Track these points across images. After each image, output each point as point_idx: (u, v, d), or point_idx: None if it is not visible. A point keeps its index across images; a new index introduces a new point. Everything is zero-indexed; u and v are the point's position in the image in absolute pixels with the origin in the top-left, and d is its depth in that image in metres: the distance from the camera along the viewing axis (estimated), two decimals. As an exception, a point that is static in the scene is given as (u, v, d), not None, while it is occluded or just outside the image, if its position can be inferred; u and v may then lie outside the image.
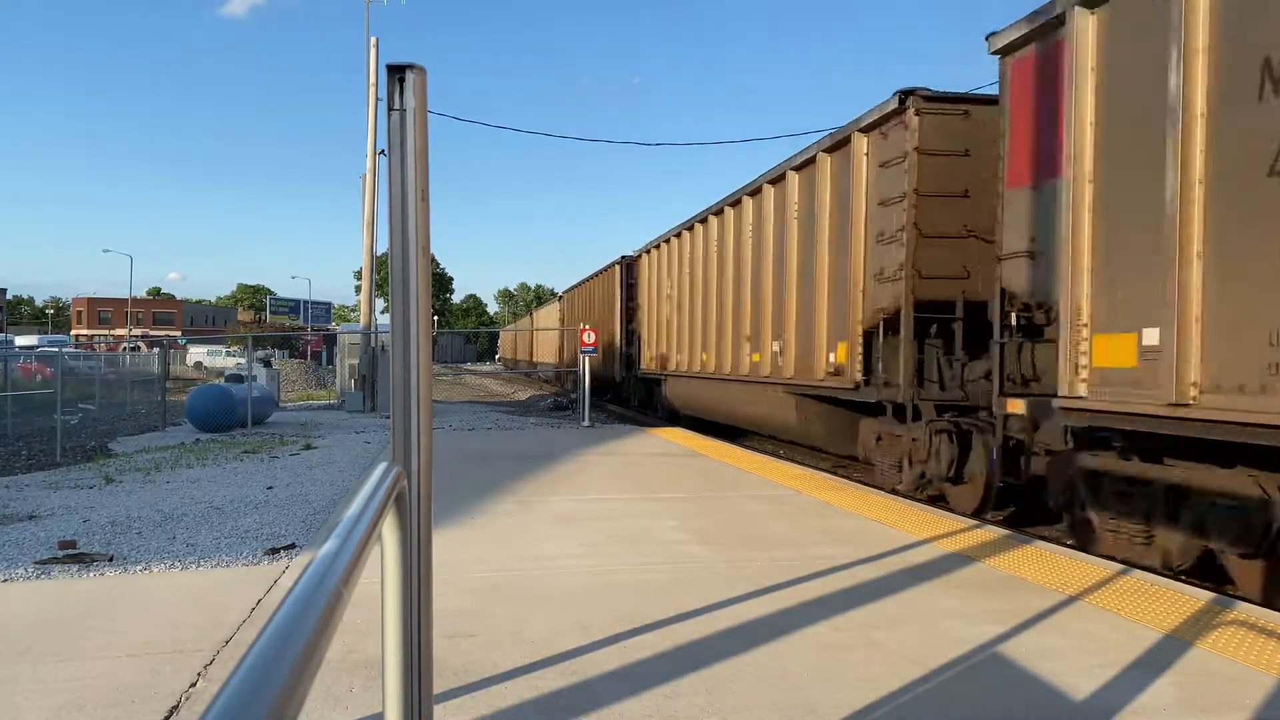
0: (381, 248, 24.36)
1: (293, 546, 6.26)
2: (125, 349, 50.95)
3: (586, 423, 17.58)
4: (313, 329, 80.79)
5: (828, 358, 11.47)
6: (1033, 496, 8.13)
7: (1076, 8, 6.68)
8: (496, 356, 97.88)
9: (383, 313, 32.30)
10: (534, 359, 43.12)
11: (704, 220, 17.14)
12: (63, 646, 4.13)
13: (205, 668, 3.87)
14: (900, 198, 9.77)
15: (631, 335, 24.12)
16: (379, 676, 2.82)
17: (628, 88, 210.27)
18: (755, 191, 14.30)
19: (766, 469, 10.42)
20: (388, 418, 4.19)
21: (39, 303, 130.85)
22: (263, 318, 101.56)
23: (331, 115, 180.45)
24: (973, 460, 8.90)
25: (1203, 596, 4.93)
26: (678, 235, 19.08)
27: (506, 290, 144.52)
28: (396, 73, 2.23)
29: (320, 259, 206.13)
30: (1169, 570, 6.11)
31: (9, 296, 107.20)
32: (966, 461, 8.99)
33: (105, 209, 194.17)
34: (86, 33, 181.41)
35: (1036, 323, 7.57)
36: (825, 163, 11.64)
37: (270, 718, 0.80)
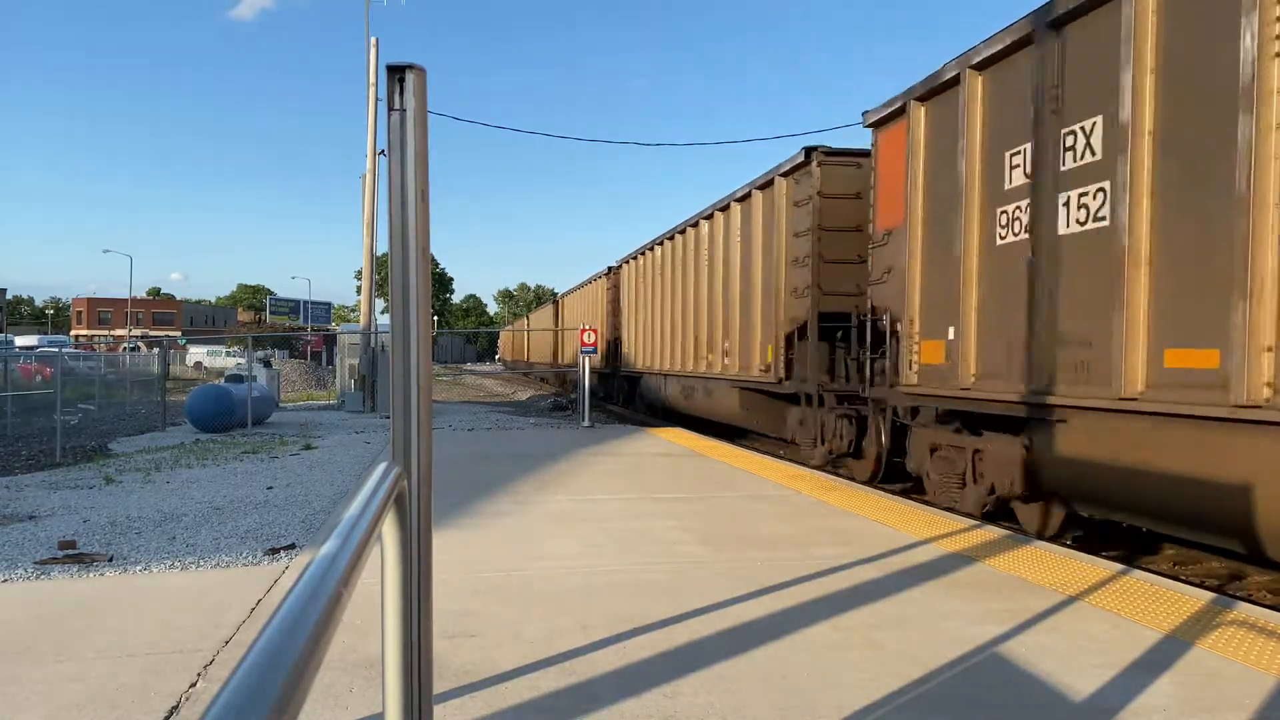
0: (381, 248, 24.36)
1: (293, 546, 6.26)
2: (125, 349, 50.93)
3: (586, 423, 17.58)
4: (313, 329, 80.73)
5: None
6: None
7: (912, 102, 9.14)
8: (496, 357, 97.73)
9: (383, 313, 32.27)
10: (559, 359, 35.36)
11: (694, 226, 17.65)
12: (63, 646, 4.12)
13: (205, 668, 3.87)
14: (808, 231, 11.81)
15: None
16: (379, 676, 2.82)
17: (629, 90, 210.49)
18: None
19: (765, 469, 10.42)
20: (388, 418, 4.19)
21: (39, 303, 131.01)
22: (262, 318, 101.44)
23: (332, 116, 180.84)
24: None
25: (1203, 596, 4.93)
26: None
27: (506, 290, 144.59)
28: (396, 73, 2.22)
29: (320, 259, 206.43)
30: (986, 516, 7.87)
31: (9, 296, 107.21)
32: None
33: (105, 209, 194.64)
34: (89, 33, 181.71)
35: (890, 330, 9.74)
36: (756, 198, 13.78)
37: (270, 718, 0.80)
